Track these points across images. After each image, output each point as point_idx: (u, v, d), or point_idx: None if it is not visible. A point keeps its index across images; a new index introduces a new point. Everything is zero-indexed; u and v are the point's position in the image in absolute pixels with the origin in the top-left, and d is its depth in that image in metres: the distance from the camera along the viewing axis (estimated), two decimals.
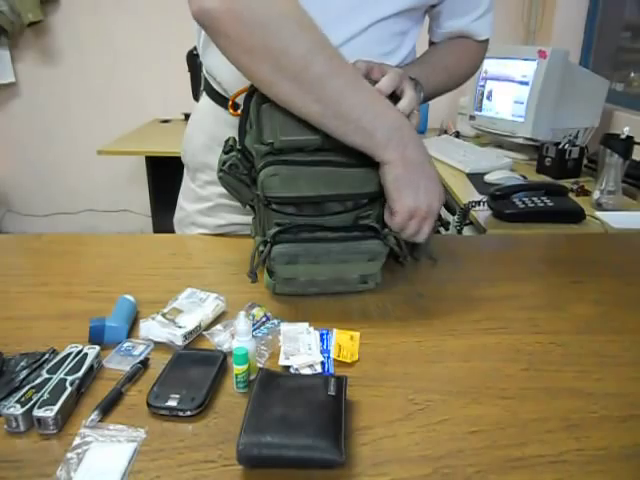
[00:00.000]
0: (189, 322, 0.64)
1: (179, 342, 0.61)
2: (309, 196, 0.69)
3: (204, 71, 0.95)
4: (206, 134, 0.95)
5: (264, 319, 0.67)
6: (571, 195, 1.50)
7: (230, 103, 0.82)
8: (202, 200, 1.00)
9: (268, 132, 0.69)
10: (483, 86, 2.16)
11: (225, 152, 0.77)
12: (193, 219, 1.02)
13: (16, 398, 0.51)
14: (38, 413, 0.49)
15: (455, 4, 0.91)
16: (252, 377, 0.55)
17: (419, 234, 0.73)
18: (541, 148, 1.81)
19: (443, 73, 0.93)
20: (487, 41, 0.99)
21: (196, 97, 1.00)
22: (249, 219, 0.86)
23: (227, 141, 0.77)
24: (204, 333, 0.65)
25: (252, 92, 0.73)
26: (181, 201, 1.05)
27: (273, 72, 0.65)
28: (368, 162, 0.69)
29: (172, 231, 1.02)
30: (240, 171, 0.75)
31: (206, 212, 1.00)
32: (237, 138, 0.76)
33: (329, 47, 0.66)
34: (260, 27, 0.63)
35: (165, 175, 2.58)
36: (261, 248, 0.69)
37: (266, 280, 0.74)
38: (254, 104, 0.72)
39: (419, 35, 0.91)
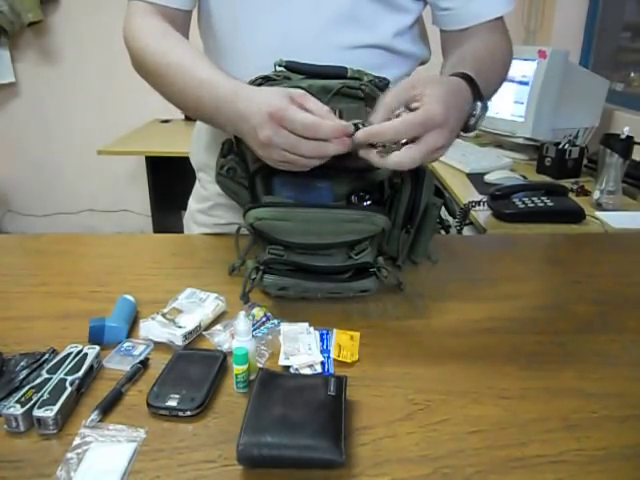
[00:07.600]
0: (189, 322, 0.64)
1: (179, 342, 0.61)
2: (299, 243, 0.68)
3: None
4: (210, 134, 0.95)
5: (264, 319, 0.67)
6: (571, 195, 1.50)
7: None
8: (203, 199, 1.01)
9: None
10: None
11: (223, 155, 0.76)
12: (194, 217, 1.02)
13: (16, 398, 0.50)
14: (38, 413, 0.49)
15: None
16: (252, 377, 0.55)
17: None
18: (541, 148, 1.80)
19: (483, 64, 0.78)
20: (501, 21, 0.91)
21: None
22: None
23: (224, 144, 0.77)
24: (204, 333, 0.65)
25: None
26: (190, 200, 1.06)
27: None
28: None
29: (172, 231, 1.02)
30: (238, 174, 0.75)
31: (206, 211, 1.00)
32: (234, 141, 0.76)
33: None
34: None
35: (165, 175, 2.58)
36: (253, 275, 0.69)
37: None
38: None
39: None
